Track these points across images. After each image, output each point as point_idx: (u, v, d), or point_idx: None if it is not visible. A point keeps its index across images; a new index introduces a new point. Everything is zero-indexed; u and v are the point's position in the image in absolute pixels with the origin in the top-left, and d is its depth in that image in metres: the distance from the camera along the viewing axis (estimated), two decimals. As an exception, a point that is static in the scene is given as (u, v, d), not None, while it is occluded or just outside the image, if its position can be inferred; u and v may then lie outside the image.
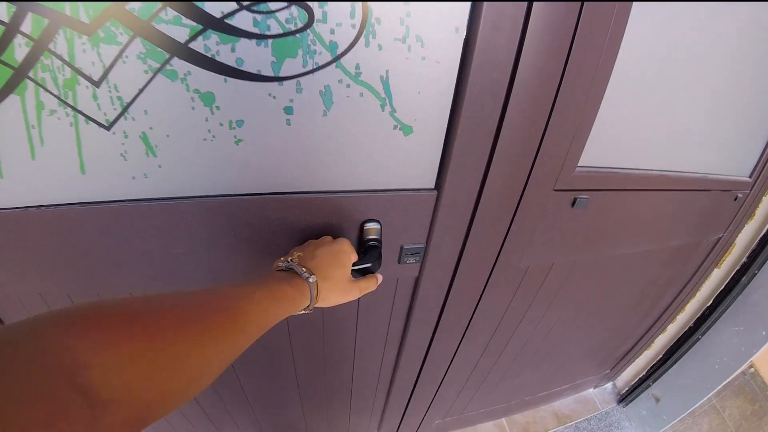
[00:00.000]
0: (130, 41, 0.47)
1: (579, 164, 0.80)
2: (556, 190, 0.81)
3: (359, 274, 0.66)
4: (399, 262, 0.82)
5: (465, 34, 0.56)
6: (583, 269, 1.12)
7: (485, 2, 0.52)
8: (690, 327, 1.70)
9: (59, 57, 0.47)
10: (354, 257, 0.62)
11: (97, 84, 0.50)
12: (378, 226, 0.73)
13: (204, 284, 0.77)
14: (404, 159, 0.67)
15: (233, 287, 0.45)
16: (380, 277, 0.67)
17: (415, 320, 0.98)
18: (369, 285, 0.64)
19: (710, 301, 1.62)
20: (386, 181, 0.69)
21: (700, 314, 1.66)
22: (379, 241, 0.73)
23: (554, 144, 0.72)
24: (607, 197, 0.92)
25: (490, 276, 0.93)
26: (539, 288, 1.09)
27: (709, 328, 1.61)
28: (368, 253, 0.69)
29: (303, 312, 0.54)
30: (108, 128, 0.52)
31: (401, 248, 0.79)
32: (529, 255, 0.94)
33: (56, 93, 0.49)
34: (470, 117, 0.62)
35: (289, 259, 0.55)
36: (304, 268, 0.54)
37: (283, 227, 0.69)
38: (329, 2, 0.48)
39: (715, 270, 1.58)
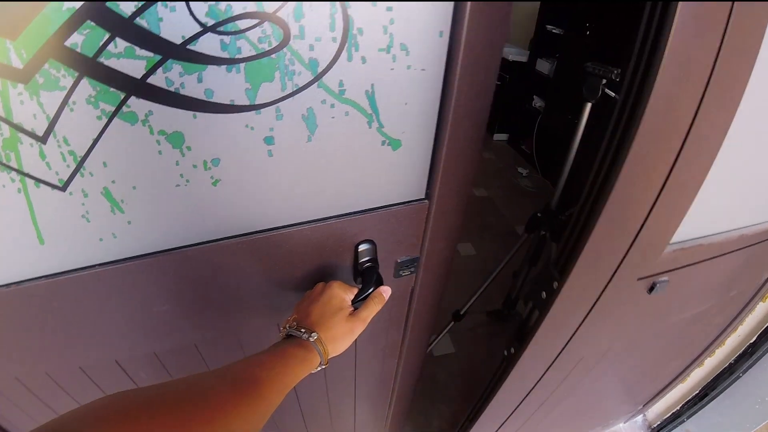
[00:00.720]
0: (75, 84, 0.40)
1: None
2: (640, 279, 0.76)
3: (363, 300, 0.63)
4: (394, 276, 0.78)
5: (449, 37, 0.52)
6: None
7: (468, 2, 0.48)
8: (730, 363, 1.54)
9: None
10: (349, 295, 0.61)
11: (42, 140, 0.42)
12: (372, 247, 0.69)
13: (195, 341, 0.69)
14: (394, 173, 0.63)
15: (243, 360, 0.46)
16: (386, 290, 0.65)
17: (413, 328, 0.95)
18: (372, 310, 0.61)
19: (754, 338, 1.47)
20: (376, 199, 0.65)
21: (741, 351, 1.51)
22: (374, 260, 0.70)
23: (654, 224, 0.66)
24: (688, 272, 0.84)
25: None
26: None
27: (751, 366, 1.47)
28: (366, 277, 0.66)
29: (321, 368, 0.54)
30: (63, 189, 0.44)
31: (395, 263, 0.75)
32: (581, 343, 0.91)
33: (-5, 156, 0.41)
34: (458, 122, 0.58)
35: (287, 326, 0.56)
36: (303, 329, 0.54)
37: (275, 265, 0.63)
38: (306, 13, 0.43)
39: (760, 304, 1.43)
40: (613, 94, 1.18)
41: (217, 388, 0.41)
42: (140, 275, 0.53)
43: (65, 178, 0.44)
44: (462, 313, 1.93)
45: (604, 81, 1.20)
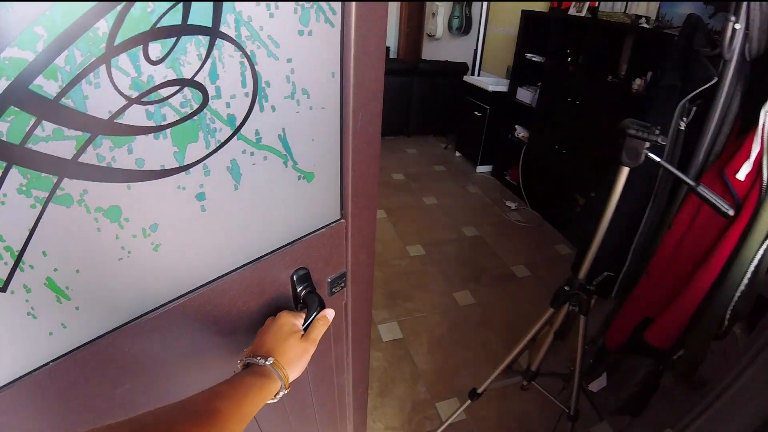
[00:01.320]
0: (4, 175, 0.39)
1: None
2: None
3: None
4: (329, 294, 0.84)
5: (339, 77, 0.62)
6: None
7: (353, 46, 0.60)
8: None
9: None
10: (298, 320, 0.65)
11: None
12: (306, 272, 0.74)
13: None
14: (312, 202, 0.70)
15: (200, 394, 0.47)
16: (329, 312, 0.69)
17: (353, 340, 1.01)
18: (320, 330, 0.66)
19: None
20: (301, 228, 0.71)
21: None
22: (311, 284, 0.75)
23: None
24: None
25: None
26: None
27: None
28: (308, 302, 0.70)
29: (282, 393, 0.56)
30: (3, 290, 0.42)
31: (328, 282, 0.82)
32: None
33: None
34: (357, 148, 0.69)
35: (244, 357, 0.58)
36: (259, 356, 0.56)
37: (223, 313, 0.64)
38: (221, 75, 0.49)
39: None
40: (657, 159, 1.07)
41: (179, 421, 0.42)
42: (95, 360, 0.50)
43: (4, 278, 0.42)
44: (479, 392, 1.73)
45: (647, 145, 1.06)
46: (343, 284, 0.85)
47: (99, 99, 0.42)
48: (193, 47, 0.46)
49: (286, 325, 0.62)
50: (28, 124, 0.39)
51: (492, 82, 4.07)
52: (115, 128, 0.44)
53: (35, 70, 0.37)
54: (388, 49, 6.72)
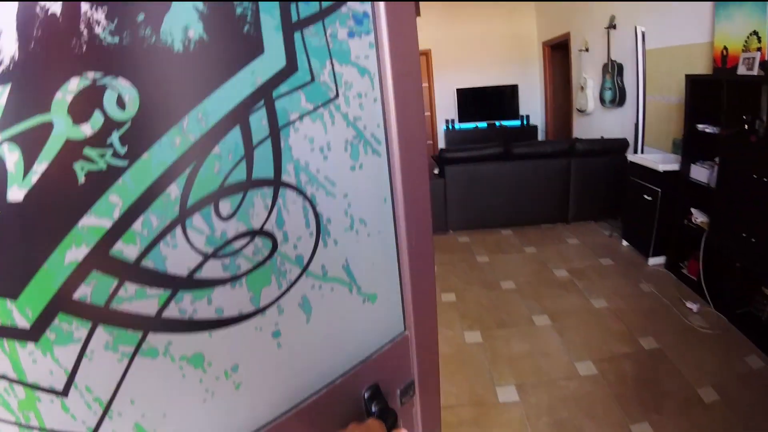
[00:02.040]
0: (90, 334, 0.43)
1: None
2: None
3: None
4: (400, 404, 0.81)
5: (391, 201, 0.66)
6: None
7: (399, 174, 0.64)
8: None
9: (2, 377, 0.40)
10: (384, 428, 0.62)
11: (63, 393, 0.43)
12: (377, 387, 0.73)
13: None
14: (378, 320, 0.72)
15: None
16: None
17: None
18: None
19: None
20: (370, 346, 0.71)
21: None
22: (383, 399, 0.73)
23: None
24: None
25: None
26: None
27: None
28: (385, 417, 0.68)
29: None
30: (94, 439, 0.46)
31: (398, 393, 0.80)
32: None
33: (13, 419, 0.41)
34: (412, 265, 0.72)
35: None
36: None
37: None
38: (286, 220, 0.54)
39: None
40: None
41: None
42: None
43: (93, 425, 0.45)
44: None
45: None
46: (412, 393, 0.84)
47: (177, 258, 0.47)
48: (259, 199, 0.51)
49: (374, 427, 0.60)
50: (111, 286, 0.43)
51: (660, 159, 3.49)
52: (194, 283, 0.49)
53: (114, 236, 0.42)
54: (535, 128, 6.99)
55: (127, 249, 0.44)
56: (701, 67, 3.33)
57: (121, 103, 0.41)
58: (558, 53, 6.65)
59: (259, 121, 0.50)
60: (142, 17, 0.41)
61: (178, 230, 0.47)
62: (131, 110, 0.42)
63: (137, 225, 0.44)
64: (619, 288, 3.34)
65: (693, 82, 3.10)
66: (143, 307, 0.46)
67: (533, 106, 7.25)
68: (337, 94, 0.57)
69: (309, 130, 0.55)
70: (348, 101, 0.59)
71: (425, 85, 7.39)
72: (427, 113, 7.55)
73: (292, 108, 0.53)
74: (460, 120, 7.22)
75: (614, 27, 4.57)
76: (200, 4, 0.44)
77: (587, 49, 5.27)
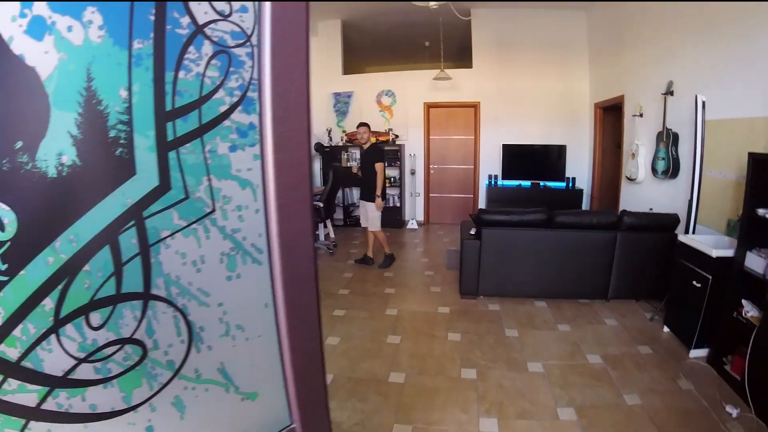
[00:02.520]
0: None
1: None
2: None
3: None
4: None
5: (273, 306, 0.72)
6: None
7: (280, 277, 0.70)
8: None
9: None
10: None
11: None
12: None
13: None
14: (259, 416, 0.75)
15: None
16: None
17: None
18: None
19: None
20: None
21: None
22: None
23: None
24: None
25: None
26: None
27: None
28: None
29: None
30: None
31: None
32: None
33: None
34: (296, 363, 0.76)
35: None
36: None
37: None
38: (156, 329, 0.61)
39: None
40: None
41: None
42: None
43: None
44: None
45: None
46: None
47: (53, 361, 0.55)
48: (128, 311, 0.59)
49: None
50: (-4, 382, 0.52)
51: (713, 243, 3.26)
52: (68, 382, 0.57)
53: (-2, 339, 0.51)
54: (580, 192, 6.85)
55: (9, 351, 0.52)
56: (765, 143, 3.16)
57: (1, 225, 0.50)
58: (610, 116, 6.55)
59: (128, 240, 0.58)
60: (20, 144, 0.50)
61: (53, 338, 0.55)
62: (10, 231, 0.51)
63: (17, 331, 0.53)
64: (655, 383, 3.07)
65: (756, 161, 2.84)
66: (25, 400, 0.54)
67: (580, 168, 7.12)
68: (214, 209, 0.64)
69: (181, 245, 0.62)
70: (226, 215, 0.65)
71: (471, 137, 7.49)
72: (470, 167, 7.61)
73: (163, 226, 0.60)
74: (504, 176, 7.20)
75: (671, 93, 4.45)
76: (74, 130, 0.52)
77: (641, 115, 5.14)
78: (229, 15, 0.62)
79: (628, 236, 3.94)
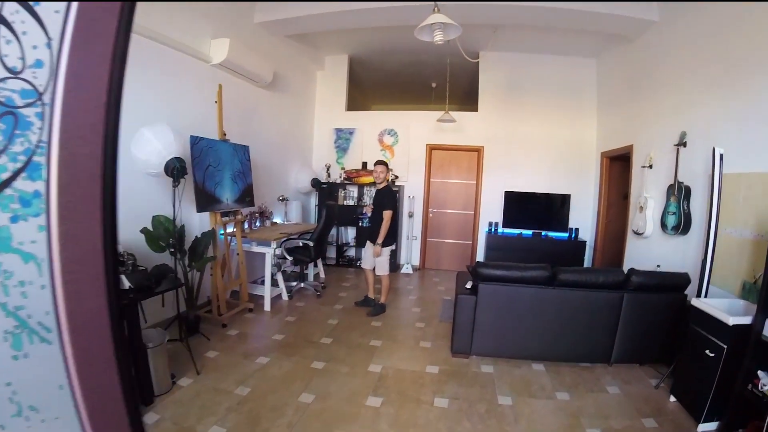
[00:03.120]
0: None
1: None
2: None
3: None
4: None
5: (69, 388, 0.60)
6: None
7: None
8: None
9: None
10: None
11: None
12: None
13: None
14: None
15: None
16: None
17: None
18: None
19: None
20: None
21: None
22: None
23: None
24: None
25: None
26: None
27: None
28: None
29: None
30: None
31: None
32: None
33: None
34: None
35: None
36: None
37: None
38: None
39: None
40: None
41: None
42: None
43: None
44: None
45: None
46: None
47: None
48: None
49: None
50: None
51: (727, 307, 3.05)
52: None
53: None
54: (583, 244, 6.63)
55: None
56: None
57: None
58: (617, 166, 6.45)
59: None
60: None
61: None
62: None
63: None
64: (660, 462, 2.65)
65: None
66: None
67: (584, 219, 6.93)
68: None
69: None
70: (7, 290, 0.60)
71: (473, 182, 7.32)
72: (471, 212, 7.40)
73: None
74: (505, 224, 6.98)
75: (684, 145, 4.29)
76: None
77: (651, 166, 4.98)
78: (21, 72, 0.58)
79: (636, 297, 3.66)
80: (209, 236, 4.30)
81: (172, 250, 3.84)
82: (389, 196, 4.83)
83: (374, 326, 4.53)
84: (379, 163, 4.90)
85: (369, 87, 9.40)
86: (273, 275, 5.13)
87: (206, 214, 4.42)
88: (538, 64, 7.04)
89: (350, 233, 7.75)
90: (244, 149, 4.88)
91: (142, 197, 3.83)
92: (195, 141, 4.07)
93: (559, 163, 7.07)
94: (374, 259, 4.85)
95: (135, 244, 3.40)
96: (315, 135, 8.06)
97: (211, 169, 4.27)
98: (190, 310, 4.25)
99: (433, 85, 8.86)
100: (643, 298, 3.68)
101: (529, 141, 7.14)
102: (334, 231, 7.60)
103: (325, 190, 7.47)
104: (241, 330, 4.34)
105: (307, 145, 7.87)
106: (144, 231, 3.76)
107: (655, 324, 3.72)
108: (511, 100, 7.15)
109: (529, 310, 3.63)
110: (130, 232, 3.53)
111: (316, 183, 7.19)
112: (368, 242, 4.99)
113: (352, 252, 7.86)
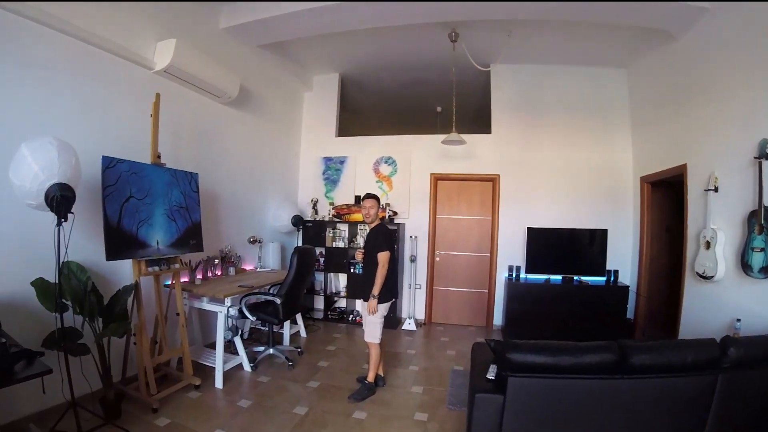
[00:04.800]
0: None
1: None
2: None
3: None
4: None
5: None
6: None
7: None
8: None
9: None
10: None
11: None
12: None
13: None
14: None
15: None
16: None
17: None
18: None
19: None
20: None
21: None
22: None
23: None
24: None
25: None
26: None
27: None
28: None
29: None
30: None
31: None
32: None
33: None
34: None
35: None
36: None
37: None
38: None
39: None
40: None
41: None
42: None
43: None
44: None
45: None
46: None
47: None
48: None
49: None
50: None
51: None
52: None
53: None
54: (626, 289, 5.40)
55: None
56: None
57: None
58: (658, 193, 5.39)
59: None
60: None
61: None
62: None
63: None
64: None
65: None
66: None
67: (621, 258, 5.78)
68: None
69: None
70: None
71: (487, 218, 6.21)
72: (486, 254, 6.26)
73: None
74: (529, 268, 5.81)
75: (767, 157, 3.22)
76: None
77: (716, 189, 3.87)
78: None
79: (734, 377, 2.44)
80: (128, 292, 3.21)
81: (77, 309, 2.83)
82: (384, 234, 3.75)
83: (356, 419, 3.32)
84: (368, 197, 3.83)
85: (364, 111, 8.49)
86: (227, 340, 3.99)
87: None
88: (558, 76, 6.08)
89: (341, 280, 6.61)
90: (190, 178, 3.85)
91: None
92: (109, 163, 3.05)
93: (589, 193, 5.96)
94: (365, 316, 3.75)
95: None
96: (301, 165, 7.06)
97: (134, 201, 3.22)
98: (107, 389, 3.14)
99: (438, 109, 7.92)
100: (743, 379, 2.47)
101: (552, 167, 6.07)
102: (321, 277, 6.48)
103: (310, 230, 6.40)
104: (176, 419, 3.18)
105: (291, 177, 6.86)
106: (36, 283, 2.74)
107: (758, 413, 2.52)
108: (529, 120, 6.14)
109: (586, 414, 2.37)
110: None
111: (297, 221, 6.12)
112: (362, 302, 3.91)
113: (343, 303, 6.68)
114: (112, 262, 3.28)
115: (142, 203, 3.30)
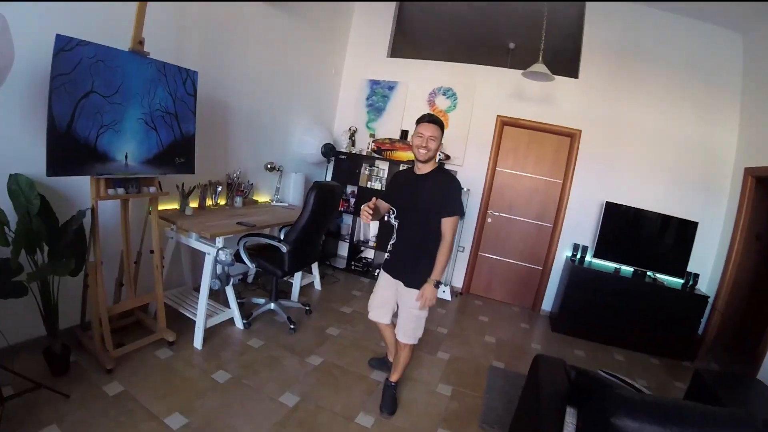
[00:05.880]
0: None
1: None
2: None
3: None
4: None
5: None
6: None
7: None
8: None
9: None
10: None
11: None
12: None
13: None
14: None
15: None
16: None
17: None
18: None
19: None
20: None
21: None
22: None
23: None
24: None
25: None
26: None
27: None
28: None
29: None
30: None
31: None
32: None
33: None
34: None
35: None
36: None
37: None
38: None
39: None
40: None
41: None
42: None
43: None
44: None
45: None
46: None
47: None
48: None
49: None
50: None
51: None
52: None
53: None
54: (704, 300, 4.33)
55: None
56: None
57: None
58: (762, 190, 4.30)
59: None
60: None
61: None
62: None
63: None
64: None
65: None
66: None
67: (704, 261, 4.67)
68: None
69: None
70: None
71: (558, 181, 5.13)
72: (548, 225, 5.24)
73: None
74: (598, 252, 4.77)
75: None
76: None
77: None
78: None
79: None
80: (77, 220, 2.44)
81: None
82: (455, 187, 2.52)
83: (359, 426, 2.55)
84: (431, 121, 2.49)
85: (422, 36, 7.22)
86: (214, 289, 3.25)
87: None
88: (664, 25, 4.69)
89: (372, 227, 5.76)
90: (186, 76, 2.93)
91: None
92: (65, 44, 2.18)
93: (681, 175, 4.75)
94: (409, 309, 2.61)
95: None
96: (343, 88, 6.04)
97: (95, 98, 2.37)
98: (54, 339, 2.48)
99: (512, 45, 6.60)
100: None
101: (642, 134, 4.83)
102: (350, 221, 5.65)
103: (344, 164, 5.50)
104: (130, 388, 2.50)
105: (327, 99, 5.86)
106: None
107: None
108: (624, 71, 4.83)
109: None
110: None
111: (329, 151, 5.21)
112: (393, 281, 2.71)
113: (370, 254, 5.88)
114: (80, 182, 2.51)
115: (108, 102, 2.44)
